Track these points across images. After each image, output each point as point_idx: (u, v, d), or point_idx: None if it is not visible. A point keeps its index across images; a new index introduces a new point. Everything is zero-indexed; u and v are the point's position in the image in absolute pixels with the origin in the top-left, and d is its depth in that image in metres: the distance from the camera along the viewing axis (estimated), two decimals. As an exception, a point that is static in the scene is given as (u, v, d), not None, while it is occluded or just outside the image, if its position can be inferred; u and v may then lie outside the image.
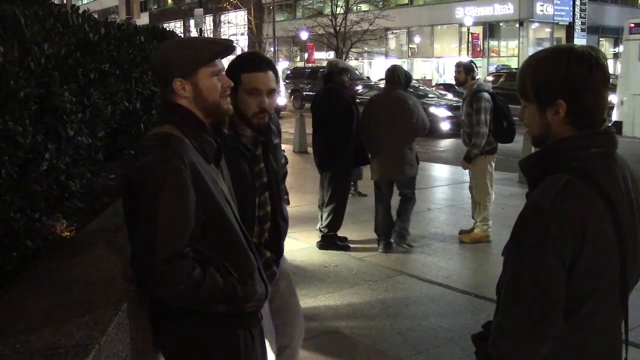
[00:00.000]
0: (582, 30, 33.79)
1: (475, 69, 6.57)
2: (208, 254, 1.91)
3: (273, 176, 2.72)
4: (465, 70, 6.46)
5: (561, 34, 35.05)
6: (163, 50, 2.05)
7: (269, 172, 2.71)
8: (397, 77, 6.26)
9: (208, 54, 1.98)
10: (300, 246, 6.44)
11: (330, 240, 6.42)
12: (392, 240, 6.36)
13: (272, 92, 2.59)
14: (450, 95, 21.13)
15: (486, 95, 6.33)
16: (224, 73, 2.05)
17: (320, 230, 6.51)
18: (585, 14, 34.20)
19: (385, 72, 6.61)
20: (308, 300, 4.88)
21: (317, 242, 6.46)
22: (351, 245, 6.46)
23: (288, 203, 4.27)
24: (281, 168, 3.00)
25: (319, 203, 6.67)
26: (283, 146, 3.06)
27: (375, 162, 6.29)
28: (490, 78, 24.72)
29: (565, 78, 1.55)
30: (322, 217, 6.56)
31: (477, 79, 6.58)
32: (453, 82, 7.36)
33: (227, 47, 2.04)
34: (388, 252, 6.25)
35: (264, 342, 2.29)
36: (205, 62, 1.97)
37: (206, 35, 36.02)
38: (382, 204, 6.34)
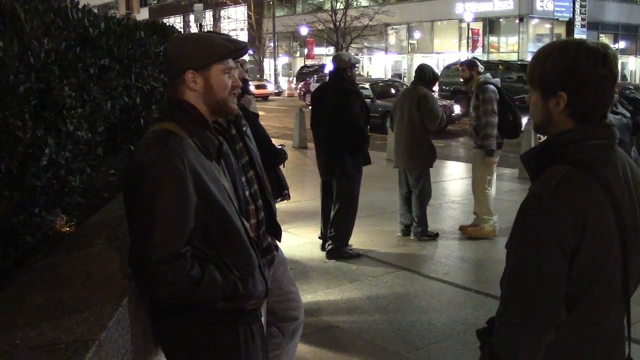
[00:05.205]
0: (582, 26, 33.79)
1: (479, 64, 6.60)
2: (209, 252, 1.91)
3: (254, 154, 2.84)
4: (468, 67, 6.56)
5: (561, 30, 35.04)
6: (178, 41, 2.06)
7: (249, 151, 2.82)
8: (422, 75, 6.55)
9: (223, 51, 1.99)
10: (300, 241, 6.44)
11: (340, 252, 5.97)
12: (412, 229, 6.60)
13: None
14: None
15: (492, 87, 6.36)
16: (234, 72, 2.05)
17: (326, 239, 6.11)
18: (585, 10, 34.19)
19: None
20: (307, 295, 4.88)
21: (326, 253, 6.03)
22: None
23: (289, 198, 4.27)
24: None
25: (323, 213, 6.18)
26: (283, 142, 3.09)
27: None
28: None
29: (569, 71, 1.56)
30: (323, 226, 6.22)
31: (485, 74, 6.58)
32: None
33: (242, 48, 2.07)
34: (406, 236, 6.66)
35: (265, 339, 2.29)
36: (219, 58, 1.98)
37: (205, 30, 35.99)
38: (400, 191, 6.76)
